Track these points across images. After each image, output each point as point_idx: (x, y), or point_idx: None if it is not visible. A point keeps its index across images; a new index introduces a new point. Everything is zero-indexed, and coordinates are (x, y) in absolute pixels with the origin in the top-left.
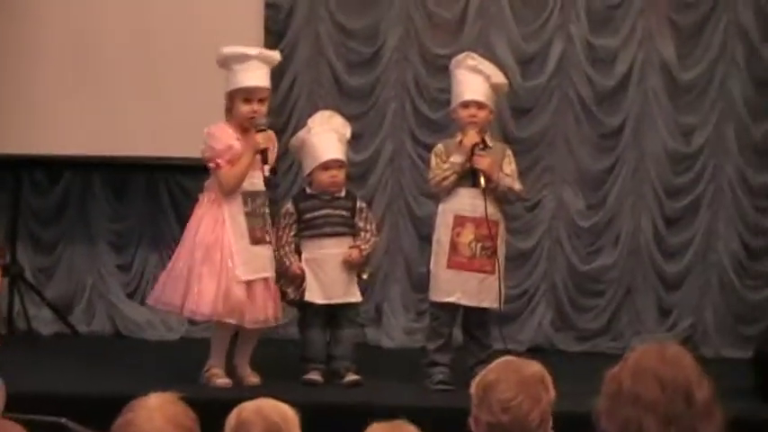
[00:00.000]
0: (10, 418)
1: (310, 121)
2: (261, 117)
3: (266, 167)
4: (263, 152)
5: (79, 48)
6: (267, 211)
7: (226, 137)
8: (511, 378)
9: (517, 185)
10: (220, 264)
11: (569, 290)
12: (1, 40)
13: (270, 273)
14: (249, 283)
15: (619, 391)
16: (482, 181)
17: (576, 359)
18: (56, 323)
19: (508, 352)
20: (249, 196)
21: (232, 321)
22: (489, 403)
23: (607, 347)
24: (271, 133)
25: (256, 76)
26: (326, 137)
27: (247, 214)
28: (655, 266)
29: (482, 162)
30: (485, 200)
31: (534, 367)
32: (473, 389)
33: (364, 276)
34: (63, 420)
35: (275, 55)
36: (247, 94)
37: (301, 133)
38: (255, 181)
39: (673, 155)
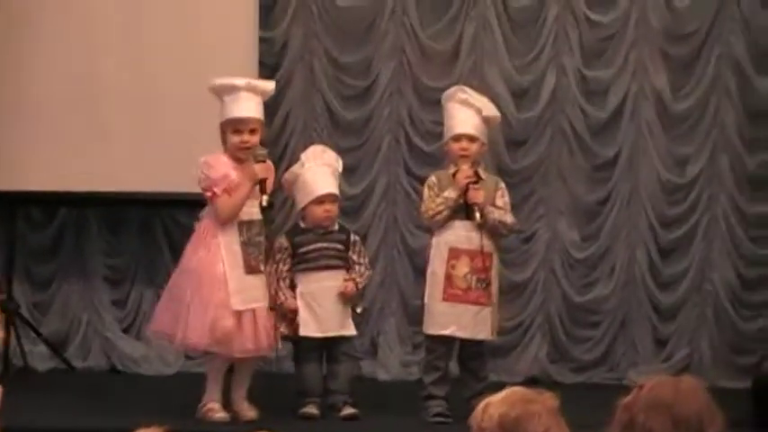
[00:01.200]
0: None
1: (303, 156)
2: (255, 147)
3: (264, 198)
4: (262, 182)
5: (74, 84)
6: (262, 240)
7: (221, 166)
8: (542, 411)
9: (509, 218)
10: (211, 293)
11: (565, 321)
12: (3, 75)
13: (263, 302)
14: (239, 313)
15: (631, 423)
16: (477, 215)
17: (573, 391)
18: (52, 359)
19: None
20: (245, 226)
21: (220, 351)
22: None
23: (603, 378)
24: (269, 164)
25: (245, 107)
26: (320, 171)
27: (243, 243)
28: (650, 297)
29: (477, 197)
30: (480, 233)
31: (554, 398)
32: (488, 423)
33: (358, 310)
34: None
35: (264, 85)
36: (237, 125)
37: (294, 168)
38: (252, 210)
39: (667, 185)
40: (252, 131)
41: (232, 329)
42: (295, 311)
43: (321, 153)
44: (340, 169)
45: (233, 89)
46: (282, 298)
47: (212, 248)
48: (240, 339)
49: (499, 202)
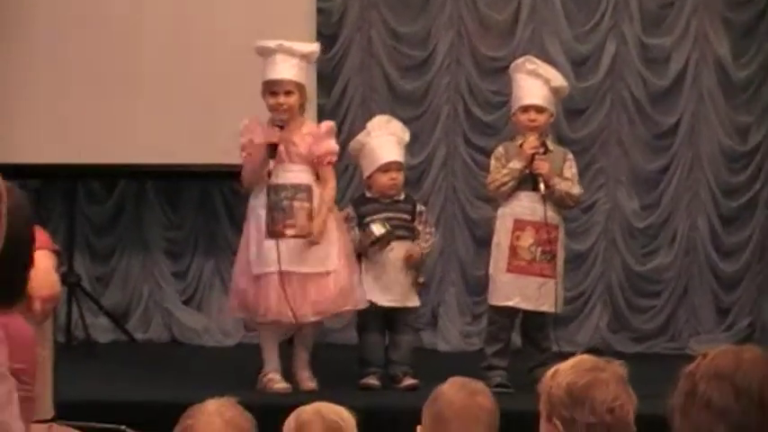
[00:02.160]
0: (70, 426)
1: (369, 125)
2: (292, 110)
3: (272, 162)
4: (272, 147)
5: (133, 58)
6: (298, 204)
7: (249, 131)
8: (610, 379)
9: (576, 190)
10: (239, 259)
11: (625, 291)
12: (57, 53)
13: (289, 268)
14: (258, 278)
15: (693, 392)
16: (542, 186)
17: (633, 360)
18: (113, 331)
19: (565, 354)
20: (272, 189)
21: (244, 317)
22: (592, 405)
23: (664, 348)
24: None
25: (279, 68)
26: (385, 140)
27: (267, 207)
28: (711, 266)
29: (542, 167)
30: (544, 204)
31: (622, 366)
32: (556, 390)
33: (420, 280)
34: (122, 428)
35: (301, 47)
36: (272, 87)
37: (360, 136)
38: (283, 174)
39: (728, 154)
40: (287, 93)
41: (252, 294)
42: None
43: (387, 123)
44: (406, 139)
45: (268, 51)
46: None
47: (248, 214)
48: (260, 305)
49: (567, 173)
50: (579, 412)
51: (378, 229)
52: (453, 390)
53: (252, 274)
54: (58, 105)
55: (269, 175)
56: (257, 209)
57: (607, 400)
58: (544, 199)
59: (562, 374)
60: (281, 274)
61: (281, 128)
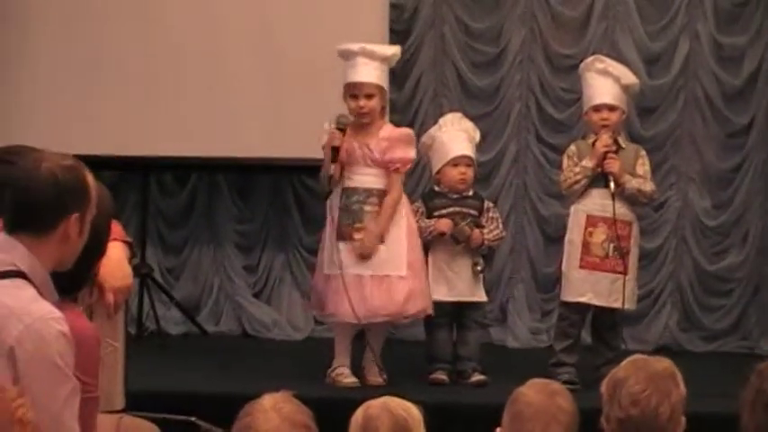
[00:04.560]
0: (140, 417)
1: (441, 120)
2: (373, 113)
3: (332, 166)
4: (335, 150)
5: (206, 52)
6: (369, 208)
7: (328, 135)
8: (640, 374)
9: (648, 187)
10: (319, 257)
11: (696, 290)
12: (134, 45)
13: (350, 270)
14: (328, 277)
15: (761, 389)
16: (612, 185)
17: (704, 360)
18: (184, 323)
19: (635, 353)
20: (345, 192)
21: (317, 313)
22: (619, 398)
23: (735, 347)
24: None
25: (360, 72)
26: (456, 134)
27: (340, 209)
28: None
29: (613, 166)
30: (613, 202)
31: (664, 363)
32: (603, 387)
33: (478, 268)
34: (193, 419)
35: (382, 50)
36: (353, 90)
37: (432, 131)
38: (357, 177)
39: None
40: (368, 96)
41: (323, 292)
42: (444, 232)
43: (459, 119)
44: (477, 138)
45: (350, 54)
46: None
47: (328, 214)
48: (329, 303)
49: (639, 170)
50: (612, 407)
51: (467, 228)
52: (533, 391)
53: (323, 273)
54: (133, 98)
55: (330, 179)
56: (332, 211)
57: (632, 393)
58: (613, 197)
59: (611, 372)
60: (344, 276)
61: (343, 131)
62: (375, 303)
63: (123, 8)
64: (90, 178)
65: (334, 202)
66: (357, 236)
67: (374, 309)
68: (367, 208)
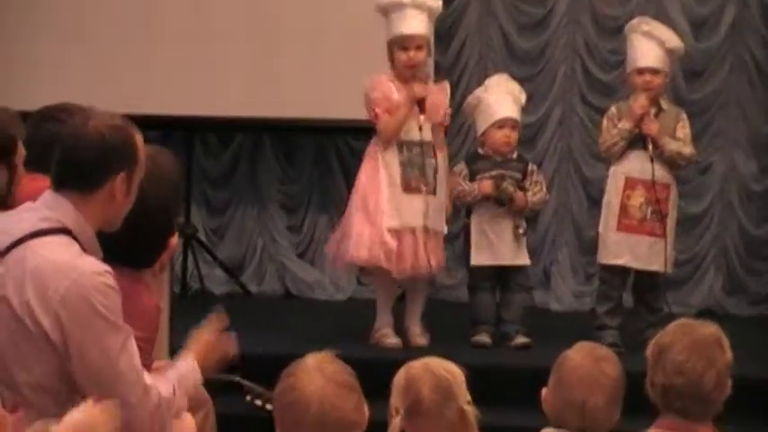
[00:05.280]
0: None
1: (487, 82)
2: (421, 65)
3: (422, 117)
4: (421, 102)
5: (251, 12)
6: (430, 162)
7: (383, 86)
8: (685, 340)
9: (688, 150)
10: (373, 212)
11: (741, 254)
12: (180, 3)
13: (421, 223)
14: (397, 232)
15: None
16: (650, 147)
17: (749, 324)
18: (228, 283)
19: (678, 316)
20: (405, 145)
21: (379, 268)
22: (663, 365)
23: None
24: (438, 85)
25: (411, 23)
26: (502, 97)
27: (402, 163)
28: None
29: (651, 128)
30: (652, 165)
31: (710, 329)
32: (648, 351)
33: (520, 231)
34: (237, 378)
35: (429, 1)
36: (403, 42)
37: (478, 92)
38: (412, 130)
39: None
40: (418, 48)
41: (389, 248)
42: (489, 195)
43: (505, 81)
44: (523, 101)
45: (399, 6)
46: (468, 188)
47: (375, 169)
48: (398, 259)
49: (680, 133)
50: (657, 373)
51: (510, 186)
52: (579, 355)
53: (383, 227)
54: (178, 57)
55: (420, 129)
56: (390, 164)
57: (677, 361)
58: (652, 160)
59: (656, 337)
60: (425, 229)
61: (425, 83)
62: (438, 258)
63: None
64: (138, 139)
65: (388, 157)
66: (424, 189)
67: (438, 263)
68: (427, 161)
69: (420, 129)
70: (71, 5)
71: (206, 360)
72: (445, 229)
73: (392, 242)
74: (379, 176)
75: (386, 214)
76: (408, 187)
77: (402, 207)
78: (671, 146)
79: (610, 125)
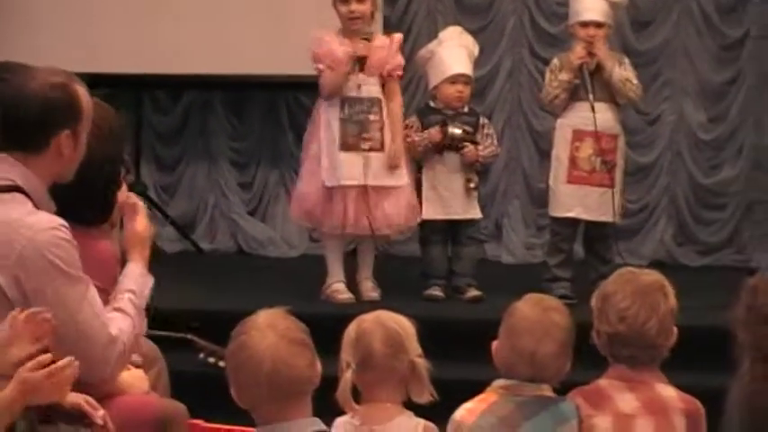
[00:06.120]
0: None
1: (441, 35)
2: (365, 18)
3: (360, 75)
4: (362, 59)
5: None
6: (373, 118)
7: (327, 42)
8: (627, 288)
9: (635, 81)
10: (308, 169)
11: (691, 203)
12: None
13: (360, 181)
14: (330, 189)
15: (753, 305)
16: (590, 97)
17: (699, 273)
18: (179, 241)
19: (629, 266)
20: (347, 102)
21: (312, 226)
22: (607, 314)
23: (730, 261)
24: (386, 38)
25: None
26: (456, 51)
27: (342, 120)
28: None
29: (599, 49)
30: (593, 115)
31: (652, 276)
32: (593, 301)
33: (471, 185)
34: (189, 336)
35: None
36: None
37: (431, 45)
38: (356, 86)
39: None
40: (360, 0)
41: (319, 204)
42: (439, 142)
43: (459, 34)
44: (476, 53)
45: None
46: (418, 138)
47: (317, 126)
48: (330, 216)
49: (624, 69)
50: (602, 322)
51: (457, 129)
52: (528, 305)
53: (321, 185)
54: (123, 14)
55: (359, 87)
56: (331, 121)
57: (619, 309)
58: (593, 108)
59: (600, 286)
60: (365, 187)
61: (368, 40)
62: (384, 213)
63: None
64: (82, 93)
65: (329, 114)
66: (365, 146)
67: (384, 219)
68: (371, 117)
69: (358, 86)
70: None
71: (146, 248)
72: (405, 180)
73: (316, 200)
74: (319, 134)
75: (324, 171)
76: (345, 144)
77: (338, 165)
78: (619, 71)
79: (552, 77)
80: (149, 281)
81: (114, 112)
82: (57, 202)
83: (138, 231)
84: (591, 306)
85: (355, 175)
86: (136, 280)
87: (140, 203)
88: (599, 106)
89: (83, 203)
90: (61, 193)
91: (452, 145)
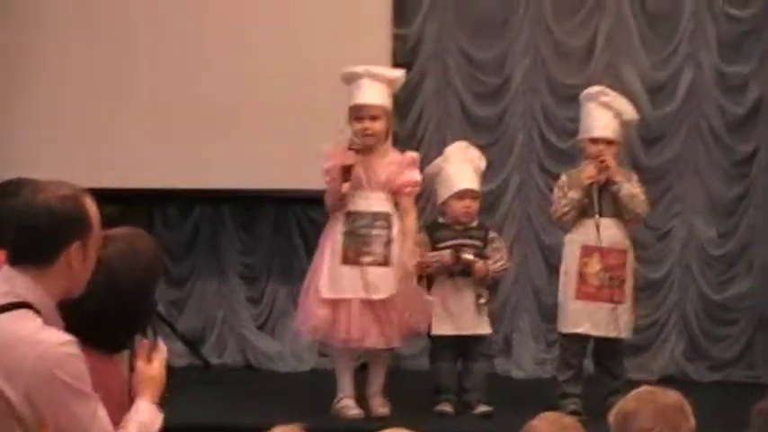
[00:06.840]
0: None
1: (447, 150)
2: (378, 135)
3: (345, 185)
4: (346, 169)
5: (207, 85)
6: (377, 232)
7: (335, 156)
8: (649, 407)
9: (642, 195)
10: (312, 283)
11: (701, 319)
12: (138, 78)
13: (360, 295)
14: (333, 302)
15: (765, 428)
16: (596, 216)
17: (711, 389)
18: (188, 356)
19: (640, 382)
20: (351, 216)
21: (319, 340)
22: None
23: (741, 377)
24: (398, 156)
25: (364, 93)
26: (463, 167)
27: (345, 234)
28: None
29: (608, 161)
30: (598, 232)
31: (673, 396)
32: (611, 418)
33: (481, 301)
34: None
35: (388, 73)
36: (357, 112)
37: (438, 161)
38: (362, 201)
39: None
40: (373, 118)
41: (325, 318)
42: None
43: (465, 149)
44: (482, 167)
45: (354, 76)
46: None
47: (325, 240)
48: (334, 329)
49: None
50: None
51: (470, 256)
52: (545, 424)
53: (321, 298)
54: (134, 132)
55: (341, 198)
56: (335, 235)
57: (642, 429)
58: (597, 227)
59: (619, 404)
60: (362, 301)
61: (358, 151)
62: (380, 327)
63: (122, 40)
64: (90, 204)
65: (335, 228)
66: (365, 260)
67: (390, 332)
68: (375, 232)
69: (364, 201)
70: (23, 78)
71: (158, 392)
72: (412, 284)
73: (322, 314)
74: (325, 248)
75: (323, 285)
76: (345, 258)
77: (338, 278)
78: (627, 186)
79: (560, 194)
80: (159, 418)
81: (150, 240)
82: (82, 324)
83: (154, 375)
84: (608, 423)
85: (354, 289)
86: (145, 413)
87: (162, 346)
88: (607, 222)
89: (107, 328)
90: (87, 317)
91: (465, 270)
